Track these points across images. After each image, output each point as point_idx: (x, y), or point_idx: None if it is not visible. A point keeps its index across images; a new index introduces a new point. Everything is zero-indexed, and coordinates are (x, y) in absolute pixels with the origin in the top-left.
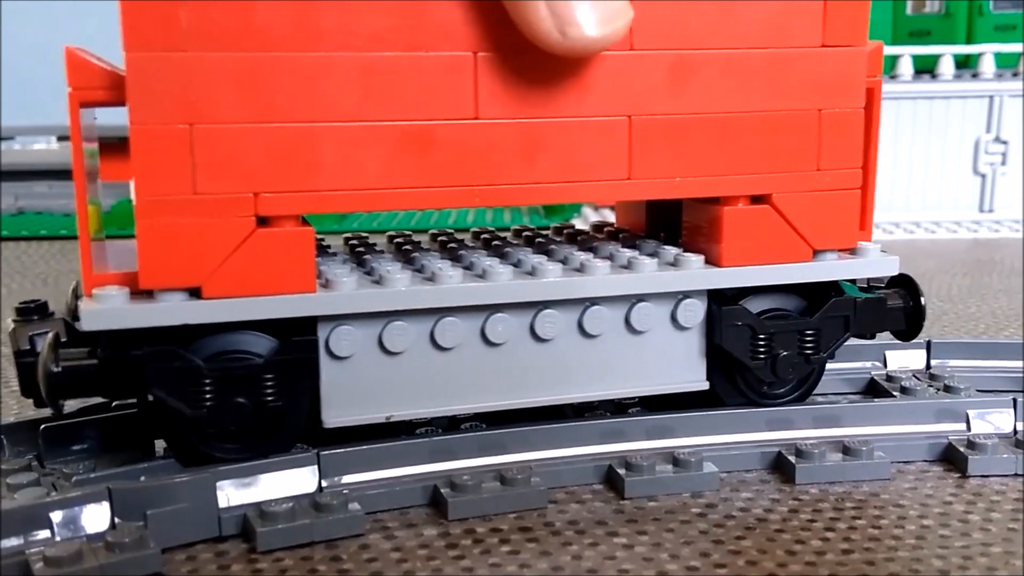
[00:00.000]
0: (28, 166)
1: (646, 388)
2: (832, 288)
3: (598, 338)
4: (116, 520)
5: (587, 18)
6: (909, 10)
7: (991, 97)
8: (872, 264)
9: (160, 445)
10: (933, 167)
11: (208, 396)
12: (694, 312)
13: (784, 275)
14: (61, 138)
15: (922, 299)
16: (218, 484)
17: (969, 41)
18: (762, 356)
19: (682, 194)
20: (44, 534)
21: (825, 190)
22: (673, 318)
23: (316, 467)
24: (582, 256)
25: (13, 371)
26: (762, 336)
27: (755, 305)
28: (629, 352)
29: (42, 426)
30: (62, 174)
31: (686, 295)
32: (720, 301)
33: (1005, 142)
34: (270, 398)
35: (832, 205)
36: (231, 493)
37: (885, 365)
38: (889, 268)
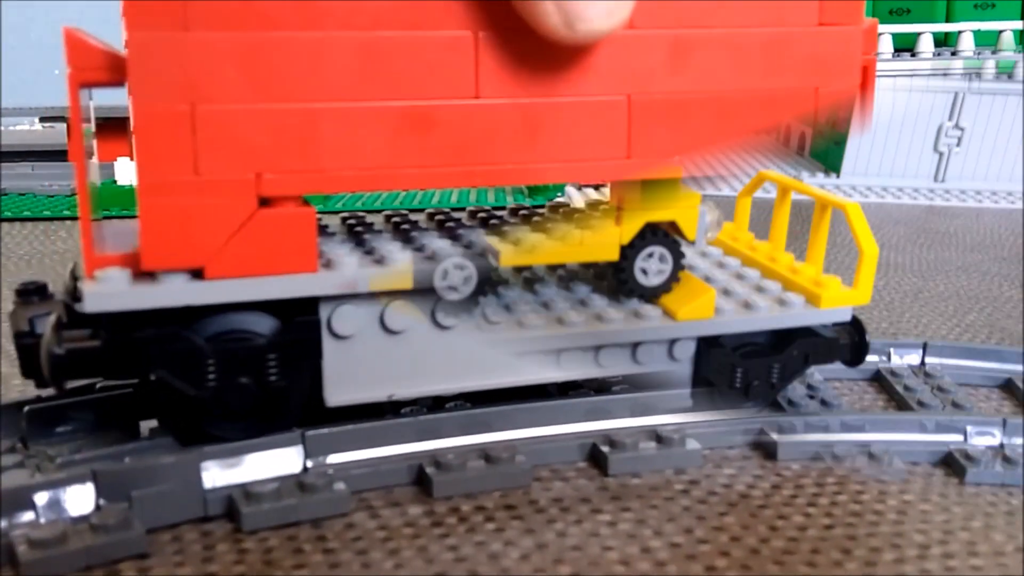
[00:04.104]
0: (10, 147)
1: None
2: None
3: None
4: (101, 501)
5: (595, 12)
6: None
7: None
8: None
9: (145, 426)
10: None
11: (211, 376)
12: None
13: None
14: (43, 119)
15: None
16: (203, 465)
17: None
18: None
19: (681, 173)
20: (28, 516)
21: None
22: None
23: (301, 447)
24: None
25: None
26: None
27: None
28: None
29: (26, 408)
30: (45, 155)
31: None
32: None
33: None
34: (273, 378)
35: None
36: (216, 474)
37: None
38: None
